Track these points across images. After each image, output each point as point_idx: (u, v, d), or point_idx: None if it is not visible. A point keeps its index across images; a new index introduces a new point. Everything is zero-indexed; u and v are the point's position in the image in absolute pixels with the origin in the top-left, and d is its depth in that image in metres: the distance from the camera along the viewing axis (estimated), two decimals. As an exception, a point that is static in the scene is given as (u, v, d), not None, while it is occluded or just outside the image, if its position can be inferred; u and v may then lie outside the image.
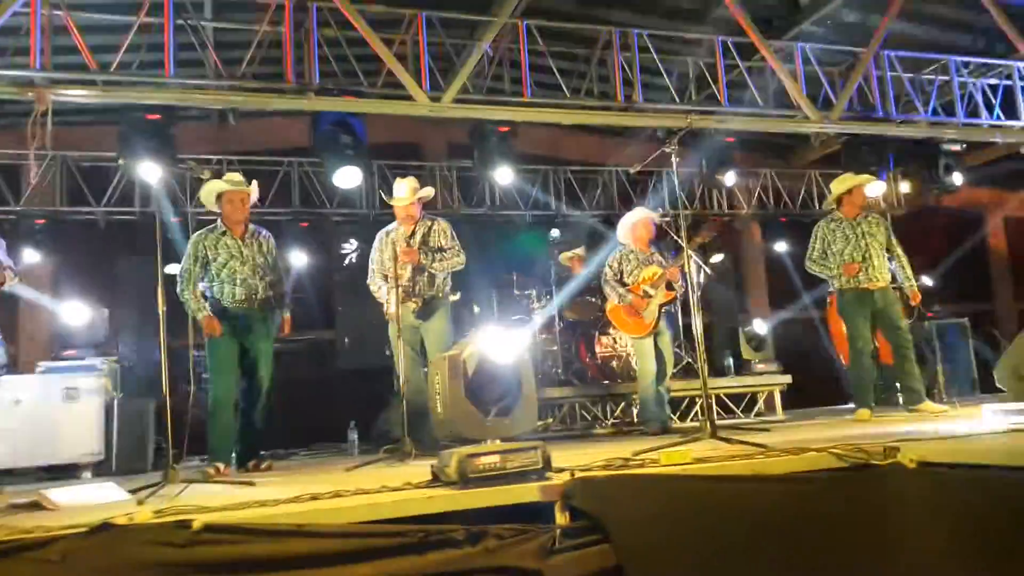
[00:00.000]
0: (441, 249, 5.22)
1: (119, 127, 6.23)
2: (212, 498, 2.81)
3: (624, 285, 5.94)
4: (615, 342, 7.33)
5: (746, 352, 8.06)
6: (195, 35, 6.16)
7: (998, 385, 4.09)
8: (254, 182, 4.99)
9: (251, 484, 3.44)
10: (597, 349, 7.28)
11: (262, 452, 5.02)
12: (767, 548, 2.37)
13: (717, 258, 9.30)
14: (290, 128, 8.29)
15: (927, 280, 7.52)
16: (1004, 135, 8.44)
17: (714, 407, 7.18)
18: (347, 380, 8.30)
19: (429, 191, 5.36)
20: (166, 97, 5.95)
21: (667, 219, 5.94)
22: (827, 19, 7.61)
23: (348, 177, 6.84)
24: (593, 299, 7.42)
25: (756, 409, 7.41)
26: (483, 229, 9.24)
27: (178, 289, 4.73)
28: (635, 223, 6.00)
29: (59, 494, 2.99)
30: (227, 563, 2.05)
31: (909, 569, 2.37)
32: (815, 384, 8.42)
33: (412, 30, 6.58)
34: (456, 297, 5.48)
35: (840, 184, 5.87)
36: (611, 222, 7.71)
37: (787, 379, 7.57)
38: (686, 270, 4.63)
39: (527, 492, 2.45)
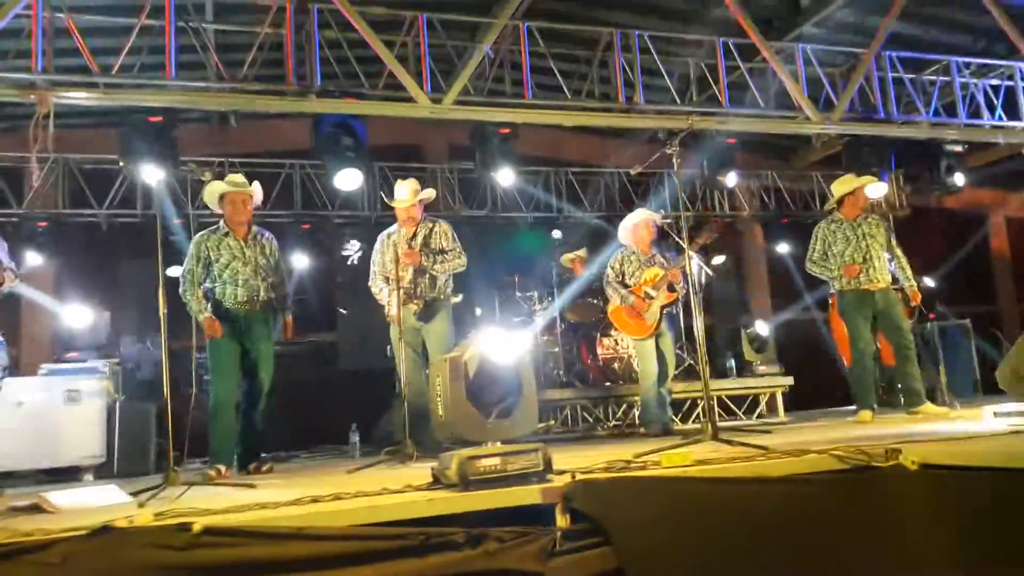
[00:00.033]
0: (442, 251, 5.21)
1: (121, 129, 6.24)
2: (213, 501, 2.81)
3: (626, 286, 5.94)
4: (617, 344, 7.32)
5: (748, 354, 8.04)
6: (196, 37, 6.17)
7: (1000, 386, 4.08)
8: (256, 183, 4.99)
9: (252, 486, 3.44)
10: (599, 351, 7.28)
11: (263, 455, 5.02)
12: (768, 550, 2.36)
13: (719, 259, 9.28)
14: (291, 130, 8.30)
15: (929, 281, 7.51)
16: (1006, 136, 8.43)
17: (716, 409, 7.16)
18: (348, 382, 8.31)
19: (430, 193, 5.36)
20: (167, 99, 5.96)
21: (668, 220, 5.93)
22: (828, 20, 7.60)
23: (349, 179, 6.85)
24: (595, 301, 7.41)
25: (758, 411, 7.40)
26: (484, 231, 9.24)
27: (180, 290, 4.73)
28: (636, 224, 6.00)
29: (59, 497, 2.99)
30: (227, 566, 2.04)
31: (910, 571, 2.36)
32: (817, 386, 8.41)
33: (413, 32, 6.58)
34: (458, 299, 5.48)
35: (842, 185, 5.87)
36: (612, 223, 7.71)
37: (789, 381, 7.56)
38: (687, 271, 4.63)
39: (528, 494, 2.44)
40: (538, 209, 9.47)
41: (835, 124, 7.52)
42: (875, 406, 5.74)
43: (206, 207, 5.08)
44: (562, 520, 2.38)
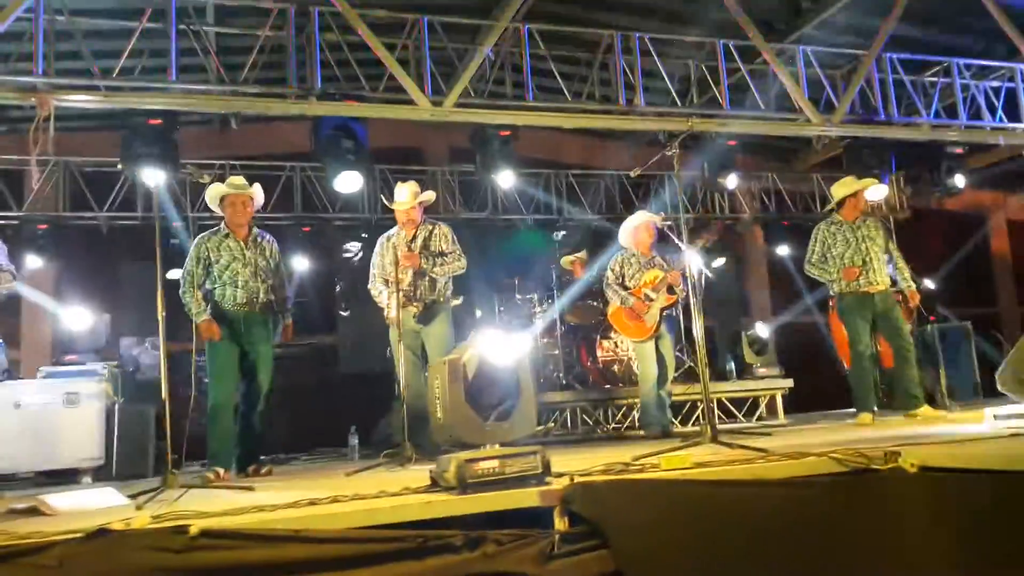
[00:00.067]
0: (442, 253, 5.22)
1: (121, 132, 6.25)
2: (210, 503, 2.80)
3: (626, 288, 5.94)
4: (616, 346, 7.31)
5: (748, 356, 8.04)
6: (197, 40, 6.18)
7: (1000, 389, 4.07)
8: (257, 185, 5.00)
9: (250, 489, 3.44)
10: (598, 353, 7.27)
11: (262, 457, 5.02)
12: (767, 553, 2.36)
13: (719, 261, 9.27)
14: (292, 133, 8.30)
15: (929, 283, 7.49)
16: (1007, 137, 8.42)
17: (715, 411, 7.16)
18: (348, 385, 8.31)
19: (430, 195, 5.36)
20: (168, 102, 5.96)
21: (669, 222, 5.93)
22: (828, 22, 7.60)
23: (348, 182, 6.85)
24: (595, 303, 7.41)
25: (758, 413, 7.39)
26: (484, 233, 9.24)
27: (180, 291, 4.74)
28: (637, 227, 6.01)
29: (58, 499, 2.99)
30: (224, 569, 2.04)
31: (910, 574, 2.36)
32: (817, 388, 8.40)
33: (414, 34, 6.59)
34: (458, 301, 5.48)
35: (842, 187, 5.86)
36: (613, 225, 7.70)
37: (789, 383, 7.55)
38: (687, 274, 4.62)
39: (526, 497, 2.44)
40: (538, 211, 9.46)
41: (836, 126, 7.52)
42: (875, 409, 5.73)
43: (206, 210, 5.09)
44: (560, 523, 2.38)
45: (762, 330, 8.26)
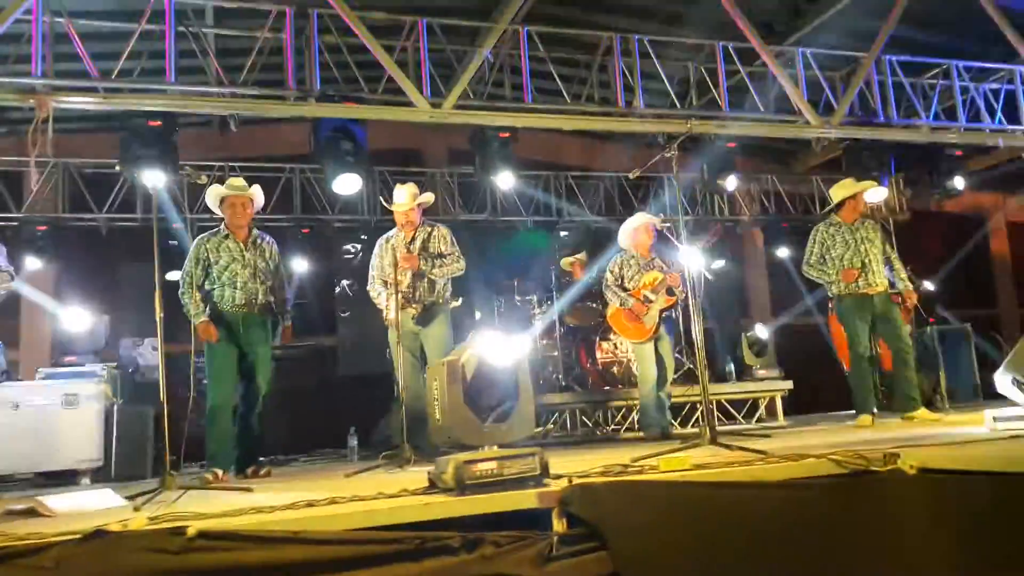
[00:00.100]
0: (441, 255, 5.22)
1: (120, 134, 6.24)
2: (208, 504, 2.80)
3: (625, 290, 5.93)
4: (616, 348, 7.31)
5: (747, 357, 8.04)
6: (196, 42, 6.18)
7: (999, 391, 4.07)
8: (256, 186, 5.00)
9: (249, 490, 3.43)
10: (598, 355, 7.27)
11: (261, 458, 5.01)
12: (767, 555, 2.36)
13: (718, 263, 9.28)
14: (291, 134, 8.30)
15: (929, 285, 7.49)
16: (1006, 139, 8.42)
17: (715, 413, 7.16)
18: (347, 386, 8.31)
19: (429, 197, 5.36)
20: (167, 104, 5.96)
21: (668, 224, 5.93)
22: (827, 24, 7.60)
23: (347, 184, 6.84)
24: (594, 305, 7.41)
25: (757, 415, 7.39)
26: (484, 235, 9.24)
27: (179, 292, 4.74)
28: (636, 228, 6.00)
29: (56, 500, 2.98)
30: (221, 570, 2.04)
31: (909, 575, 2.35)
32: (817, 390, 8.40)
33: (413, 36, 6.59)
34: (458, 303, 5.47)
35: (841, 189, 5.86)
36: (612, 226, 7.70)
37: (788, 385, 7.55)
38: (687, 275, 4.62)
39: (524, 499, 2.43)
40: (537, 213, 9.46)
41: (835, 128, 7.52)
42: (875, 411, 5.73)
43: (206, 211, 5.09)
44: (559, 524, 2.37)
45: (762, 332, 8.26)
